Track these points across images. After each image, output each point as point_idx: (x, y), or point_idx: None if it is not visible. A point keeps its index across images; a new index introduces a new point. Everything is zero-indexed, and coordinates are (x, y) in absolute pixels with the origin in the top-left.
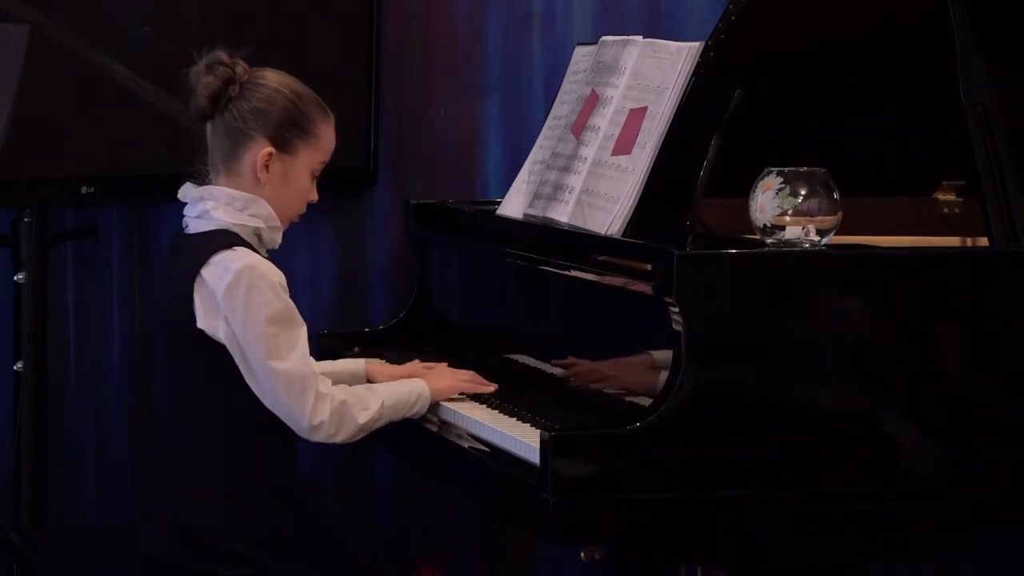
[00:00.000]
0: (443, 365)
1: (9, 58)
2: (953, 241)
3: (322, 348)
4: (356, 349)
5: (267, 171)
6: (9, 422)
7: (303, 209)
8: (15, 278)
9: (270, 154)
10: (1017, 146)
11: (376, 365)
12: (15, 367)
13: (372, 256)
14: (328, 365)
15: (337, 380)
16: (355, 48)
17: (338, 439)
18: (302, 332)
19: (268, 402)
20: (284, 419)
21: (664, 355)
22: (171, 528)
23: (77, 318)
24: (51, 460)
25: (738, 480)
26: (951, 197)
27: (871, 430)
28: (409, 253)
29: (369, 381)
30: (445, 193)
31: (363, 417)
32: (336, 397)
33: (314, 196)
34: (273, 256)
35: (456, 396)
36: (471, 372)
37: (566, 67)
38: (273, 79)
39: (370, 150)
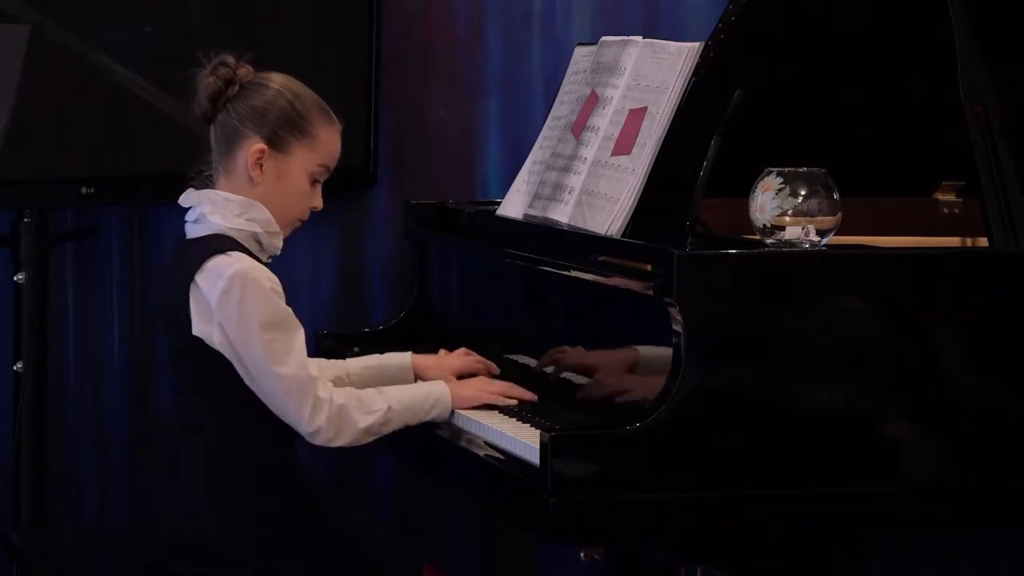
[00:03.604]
0: (482, 377)
1: (9, 58)
2: (953, 241)
3: (322, 348)
4: (356, 349)
5: (260, 169)
6: (9, 422)
7: (304, 215)
8: (15, 278)
9: (262, 151)
10: (1017, 146)
11: (428, 359)
12: (15, 367)
13: (372, 256)
14: (376, 359)
15: (383, 373)
16: (355, 48)
17: (340, 442)
18: (299, 335)
19: (271, 405)
20: (288, 422)
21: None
22: (171, 531)
23: (77, 318)
24: (51, 460)
25: (738, 480)
26: (951, 197)
27: (871, 430)
28: (409, 253)
29: (417, 375)
30: (445, 193)
31: (365, 421)
32: (335, 401)
33: (317, 202)
34: (273, 256)
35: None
36: (506, 384)
37: (566, 67)
38: (277, 81)
39: (370, 150)
